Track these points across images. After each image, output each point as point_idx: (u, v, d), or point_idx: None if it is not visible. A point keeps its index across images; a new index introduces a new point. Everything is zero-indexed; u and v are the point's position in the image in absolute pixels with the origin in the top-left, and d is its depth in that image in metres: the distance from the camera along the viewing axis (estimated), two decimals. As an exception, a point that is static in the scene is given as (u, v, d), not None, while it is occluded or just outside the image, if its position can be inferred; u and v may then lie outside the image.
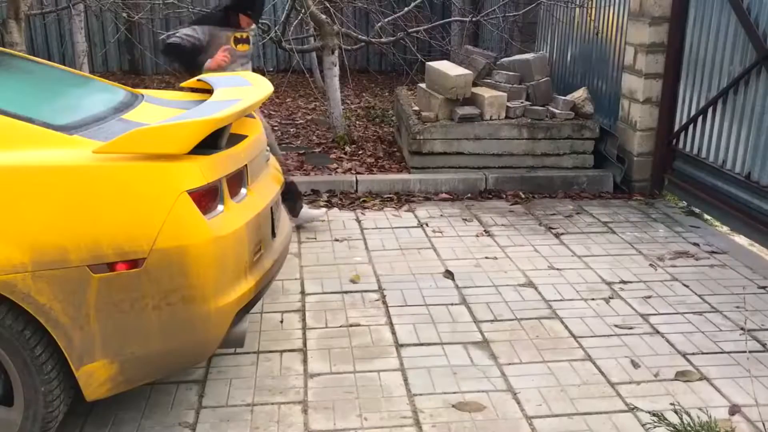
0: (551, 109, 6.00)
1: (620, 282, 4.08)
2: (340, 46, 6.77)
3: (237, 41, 4.42)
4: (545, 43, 8.00)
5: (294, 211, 4.57)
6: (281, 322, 3.58)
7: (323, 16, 6.61)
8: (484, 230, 4.89)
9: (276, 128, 7.45)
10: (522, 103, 6.01)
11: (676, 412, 2.71)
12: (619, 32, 6.09)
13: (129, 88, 3.41)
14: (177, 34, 4.31)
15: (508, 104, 5.91)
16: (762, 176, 4.55)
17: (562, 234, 4.84)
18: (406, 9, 7.21)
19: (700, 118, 5.24)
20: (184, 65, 4.45)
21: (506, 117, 5.91)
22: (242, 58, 4.51)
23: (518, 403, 2.91)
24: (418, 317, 3.63)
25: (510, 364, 3.20)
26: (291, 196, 4.51)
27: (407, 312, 3.69)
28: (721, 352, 3.31)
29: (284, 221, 3.41)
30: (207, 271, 2.44)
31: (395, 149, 6.59)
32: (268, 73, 8.01)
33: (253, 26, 4.60)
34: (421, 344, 3.37)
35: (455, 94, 5.85)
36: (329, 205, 5.38)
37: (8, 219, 2.23)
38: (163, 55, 4.71)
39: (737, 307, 3.75)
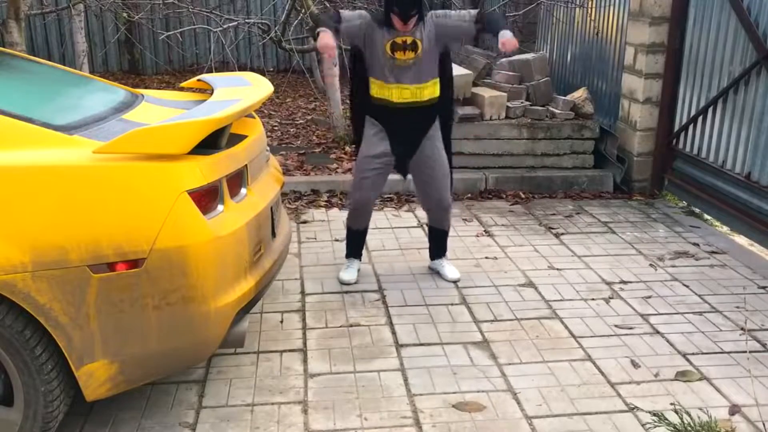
0: (551, 109, 6.00)
1: (620, 282, 4.08)
2: (340, 46, 6.76)
3: (394, 47, 3.61)
4: (545, 43, 8.00)
5: None
6: (281, 322, 3.58)
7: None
8: (484, 230, 4.89)
9: (276, 128, 7.46)
10: (522, 103, 6.01)
11: (676, 412, 2.71)
12: (619, 32, 6.09)
13: (129, 88, 3.41)
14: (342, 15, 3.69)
15: (508, 104, 5.91)
16: (762, 176, 4.55)
17: (562, 234, 4.84)
18: (406, 9, 7.19)
19: (700, 118, 5.24)
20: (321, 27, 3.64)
21: (506, 117, 5.90)
22: (402, 70, 3.65)
23: (518, 403, 2.91)
24: (418, 317, 3.63)
25: (510, 364, 3.20)
26: None
27: (407, 312, 3.69)
28: (721, 352, 3.31)
29: (284, 221, 3.41)
30: (207, 271, 2.44)
31: (395, 149, 6.59)
32: (268, 73, 8.00)
33: (413, 27, 3.61)
34: (421, 344, 3.37)
35: (455, 94, 5.84)
36: (329, 205, 5.39)
37: (8, 219, 2.23)
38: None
39: (737, 307, 3.75)
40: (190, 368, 3.07)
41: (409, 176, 4.04)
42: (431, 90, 3.77)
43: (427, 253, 4.26)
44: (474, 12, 3.74)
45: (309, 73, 9.16)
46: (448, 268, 4.11)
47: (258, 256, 2.80)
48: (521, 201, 5.56)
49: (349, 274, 4.04)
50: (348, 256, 4.12)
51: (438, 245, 4.15)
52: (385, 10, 3.64)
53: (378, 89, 3.77)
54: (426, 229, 4.82)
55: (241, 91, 3.04)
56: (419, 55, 3.65)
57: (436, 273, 4.14)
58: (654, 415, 2.52)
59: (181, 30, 8.19)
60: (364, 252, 4.26)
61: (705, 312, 3.71)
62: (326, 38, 3.51)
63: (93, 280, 2.30)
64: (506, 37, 3.52)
